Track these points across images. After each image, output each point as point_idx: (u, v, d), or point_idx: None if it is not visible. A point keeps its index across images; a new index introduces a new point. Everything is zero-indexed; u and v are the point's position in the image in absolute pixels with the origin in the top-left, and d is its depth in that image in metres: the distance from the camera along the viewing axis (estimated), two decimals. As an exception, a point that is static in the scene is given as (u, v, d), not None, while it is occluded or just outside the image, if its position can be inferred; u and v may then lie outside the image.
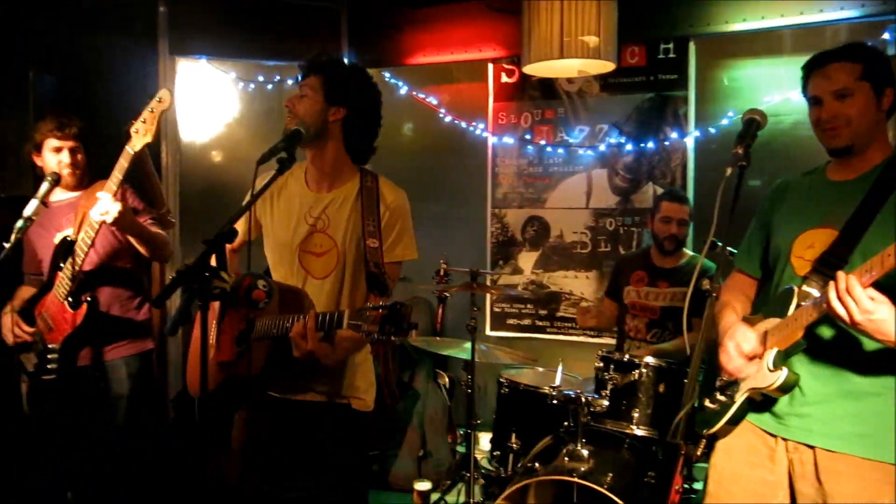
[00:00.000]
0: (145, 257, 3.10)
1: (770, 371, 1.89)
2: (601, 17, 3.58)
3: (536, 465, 3.11)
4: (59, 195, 3.11)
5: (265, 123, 4.93)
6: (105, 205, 2.71)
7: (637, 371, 3.07)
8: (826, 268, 1.90)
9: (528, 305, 4.64)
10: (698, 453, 2.05)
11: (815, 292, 1.89)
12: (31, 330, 2.99)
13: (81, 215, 2.96)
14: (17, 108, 3.78)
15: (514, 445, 3.54)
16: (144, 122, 2.71)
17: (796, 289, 1.93)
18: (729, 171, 1.89)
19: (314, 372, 2.29)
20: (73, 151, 3.04)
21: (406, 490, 4.29)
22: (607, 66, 3.72)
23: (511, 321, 4.68)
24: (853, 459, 1.86)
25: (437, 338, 4.37)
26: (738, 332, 2.03)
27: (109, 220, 2.71)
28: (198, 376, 2.08)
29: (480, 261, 4.72)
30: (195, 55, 4.69)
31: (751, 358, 1.96)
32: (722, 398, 2.02)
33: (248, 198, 2.41)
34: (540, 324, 4.61)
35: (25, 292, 3.17)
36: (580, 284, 4.49)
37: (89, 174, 3.11)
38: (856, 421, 1.88)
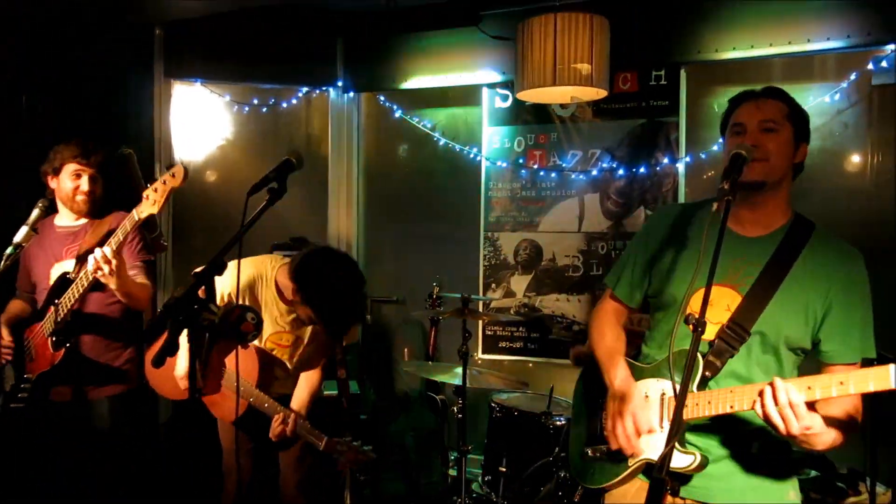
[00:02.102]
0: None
1: (680, 451, 1.89)
2: (594, 45, 3.63)
3: (527, 489, 3.12)
4: (65, 221, 3.13)
5: (259, 146, 4.96)
6: (101, 262, 2.70)
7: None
8: (730, 338, 1.90)
9: (520, 328, 4.65)
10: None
11: (719, 362, 1.90)
12: (11, 347, 3.01)
13: (82, 251, 2.98)
14: (10, 131, 3.80)
15: (505, 470, 3.55)
16: (156, 191, 2.64)
17: (701, 360, 1.89)
18: (715, 206, 1.85)
19: None
20: (92, 179, 3.05)
21: (397, 513, 4.30)
22: (600, 93, 3.76)
23: (503, 344, 4.69)
24: None
25: (429, 362, 4.38)
26: (635, 399, 2.00)
27: (101, 276, 2.72)
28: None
29: (473, 283, 4.74)
30: (191, 78, 4.73)
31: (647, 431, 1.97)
32: (606, 455, 2.05)
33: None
34: (532, 347, 4.62)
35: (15, 306, 3.18)
36: (572, 308, 4.51)
37: (100, 204, 3.12)
38: (751, 474, 1.95)
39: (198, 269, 2.10)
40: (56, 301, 2.92)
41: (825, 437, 1.76)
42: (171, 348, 1.93)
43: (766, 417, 1.69)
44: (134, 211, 2.69)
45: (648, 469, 2.03)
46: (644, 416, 1.98)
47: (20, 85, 3.87)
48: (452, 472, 4.57)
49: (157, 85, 4.60)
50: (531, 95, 3.85)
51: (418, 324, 4.95)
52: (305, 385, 2.99)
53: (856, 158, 4.04)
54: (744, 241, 2.00)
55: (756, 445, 1.96)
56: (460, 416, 3.62)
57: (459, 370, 3.64)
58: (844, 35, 3.88)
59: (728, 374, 1.93)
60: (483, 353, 4.74)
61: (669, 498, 1.98)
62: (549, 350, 4.57)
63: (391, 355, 5.04)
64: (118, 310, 3.07)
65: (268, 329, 2.82)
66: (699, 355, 1.88)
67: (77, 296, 2.86)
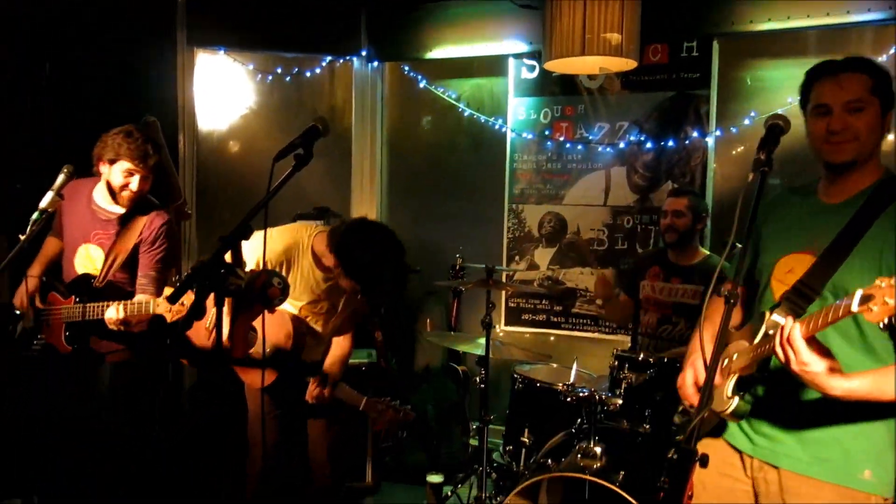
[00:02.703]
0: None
1: (727, 397, 1.89)
2: (624, 15, 3.55)
3: (549, 461, 3.11)
4: (103, 202, 3.11)
5: (283, 115, 4.94)
6: (115, 321, 2.81)
7: (652, 370, 3.06)
8: (797, 297, 1.86)
9: (543, 301, 4.63)
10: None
11: (782, 320, 1.82)
12: (41, 306, 3.06)
13: (110, 249, 3.03)
14: (35, 99, 3.80)
15: (527, 441, 3.54)
16: (169, 311, 2.73)
17: (767, 315, 1.88)
18: (751, 176, 1.83)
19: None
20: (143, 179, 3.03)
21: (418, 482, 4.31)
22: (629, 64, 3.69)
23: (525, 316, 4.67)
24: (817, 483, 1.87)
25: (452, 332, 4.38)
26: (699, 359, 2.03)
27: (113, 328, 2.82)
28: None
29: (496, 256, 4.72)
30: (213, 46, 4.70)
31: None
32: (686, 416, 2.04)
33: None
34: (555, 320, 4.60)
35: (52, 245, 3.22)
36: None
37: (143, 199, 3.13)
38: (821, 445, 1.88)
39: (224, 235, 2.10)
40: (76, 298, 2.99)
41: (836, 382, 1.68)
42: (199, 311, 1.94)
43: (775, 354, 1.71)
44: (152, 300, 2.78)
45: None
46: (701, 366, 1.97)
47: (44, 52, 3.86)
48: (473, 442, 4.59)
49: (179, 53, 4.56)
50: (559, 66, 3.78)
51: (440, 296, 4.94)
52: (338, 350, 3.01)
53: (890, 137, 3.95)
54: (827, 208, 1.96)
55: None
56: (482, 386, 3.62)
57: (482, 341, 3.63)
58: (886, 7, 3.77)
59: None
60: (506, 324, 4.73)
61: (741, 456, 2.01)
62: (572, 323, 4.55)
63: (413, 326, 5.04)
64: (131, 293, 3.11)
65: (304, 297, 2.82)
66: (765, 313, 1.85)
67: (93, 318, 2.92)
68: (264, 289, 2.02)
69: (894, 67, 3.95)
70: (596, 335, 4.55)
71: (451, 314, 4.77)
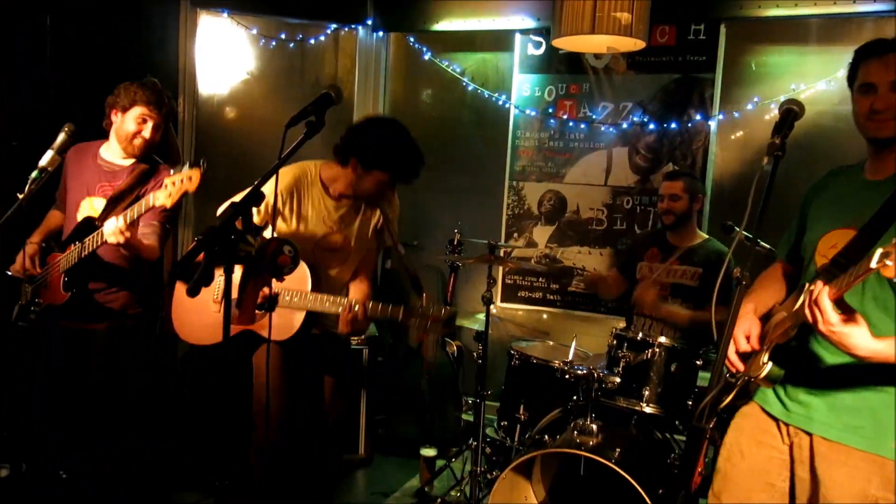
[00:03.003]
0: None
1: (762, 363, 1.92)
2: (636, -6, 3.53)
3: (545, 437, 3.14)
4: (110, 156, 3.08)
5: (284, 82, 4.89)
6: (116, 232, 2.72)
7: (650, 350, 3.10)
8: (834, 268, 1.87)
9: (540, 279, 4.65)
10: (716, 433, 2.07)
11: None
12: (38, 271, 3.02)
13: (115, 193, 2.99)
14: (35, 56, 3.74)
15: (522, 416, 3.58)
16: (174, 184, 2.65)
17: (807, 286, 1.90)
18: (766, 160, 1.87)
19: None
20: (156, 127, 3.01)
21: (411, 455, 4.34)
22: (638, 45, 3.67)
23: (522, 293, 4.69)
24: (848, 450, 1.90)
25: (449, 307, 4.38)
26: (741, 325, 2.07)
27: (114, 241, 2.74)
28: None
29: (495, 232, 4.73)
30: (217, 8, 4.62)
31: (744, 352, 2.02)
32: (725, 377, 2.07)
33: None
34: (550, 297, 4.63)
35: (54, 218, 3.18)
36: (594, 260, 4.50)
37: (152, 150, 3.10)
38: (853, 413, 1.91)
39: (235, 199, 2.09)
40: (77, 242, 2.93)
41: (863, 342, 1.71)
42: (207, 278, 1.92)
43: (804, 316, 1.75)
44: (151, 195, 2.71)
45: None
46: (742, 337, 2.02)
47: (45, 5, 3.78)
48: (466, 417, 4.63)
49: (182, 13, 4.50)
50: (567, 43, 3.76)
51: (436, 270, 4.95)
52: (358, 289, 2.99)
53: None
54: (871, 184, 2.00)
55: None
56: (480, 362, 3.64)
57: (480, 316, 3.66)
58: (891, -2, 3.79)
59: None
60: (502, 301, 4.75)
61: (775, 422, 2.05)
62: (568, 302, 4.58)
63: (408, 300, 5.04)
64: (128, 259, 3.05)
65: (317, 229, 2.79)
66: (806, 285, 1.87)
67: (90, 249, 2.87)
68: (275, 256, 2.01)
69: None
70: (590, 314, 4.58)
71: (447, 289, 4.77)
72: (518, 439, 3.59)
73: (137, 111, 2.97)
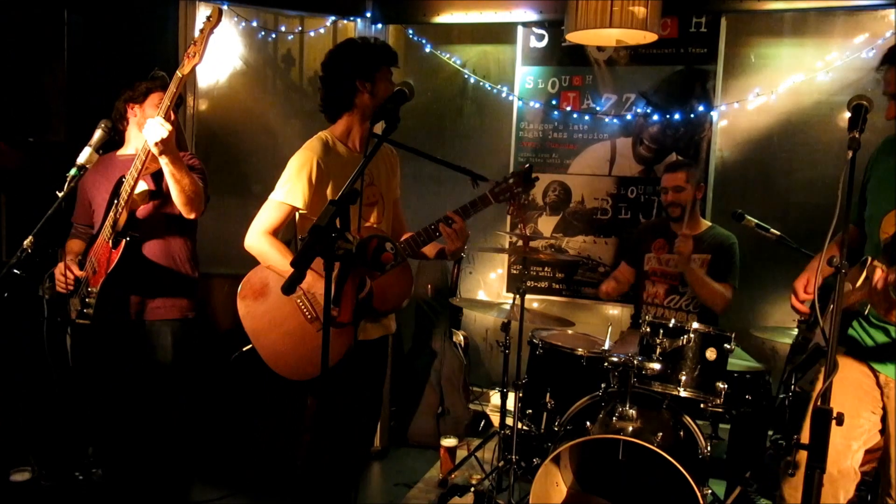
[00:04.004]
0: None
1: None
2: (650, -11, 3.62)
3: (584, 424, 3.22)
4: (130, 150, 3.02)
5: (284, 74, 4.84)
6: (156, 127, 2.64)
7: (685, 336, 3.20)
8: (893, 250, 2.07)
9: (546, 268, 4.73)
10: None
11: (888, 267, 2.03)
12: (80, 273, 2.92)
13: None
14: (52, 49, 3.62)
15: (549, 404, 3.65)
16: (195, 43, 2.62)
17: (868, 261, 2.06)
18: (850, 154, 1.97)
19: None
20: (175, 110, 2.94)
21: (424, 446, 4.38)
22: (649, 37, 3.76)
23: (529, 283, 4.76)
24: None
25: (455, 298, 4.42)
26: (801, 276, 2.46)
27: (159, 137, 2.65)
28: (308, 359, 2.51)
29: (499, 223, 4.78)
30: (216, 0, 4.54)
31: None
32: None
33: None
34: (556, 287, 4.71)
35: (75, 245, 3.08)
36: (598, 249, 4.61)
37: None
38: None
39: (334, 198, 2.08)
40: (115, 202, 2.84)
41: None
42: (301, 277, 1.93)
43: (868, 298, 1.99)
44: (177, 70, 2.67)
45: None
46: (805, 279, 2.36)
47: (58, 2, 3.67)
48: (475, 408, 4.70)
49: (181, 5, 4.41)
50: (580, 37, 3.83)
51: (438, 262, 4.97)
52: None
53: (885, 116, 4.18)
54: None
55: None
56: (507, 352, 3.70)
57: (505, 307, 3.72)
58: (888, -9, 3.97)
59: None
60: (507, 291, 4.81)
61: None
62: (573, 290, 4.67)
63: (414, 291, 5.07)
64: (178, 214, 2.99)
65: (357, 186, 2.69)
66: (868, 259, 2.04)
67: (133, 181, 2.77)
68: (378, 253, 2.02)
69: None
70: (596, 302, 4.69)
71: (451, 278, 4.82)
72: (545, 427, 3.66)
73: (156, 98, 2.95)
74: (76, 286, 2.93)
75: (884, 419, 2.36)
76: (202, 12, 4.51)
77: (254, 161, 4.73)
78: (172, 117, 2.74)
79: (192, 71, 2.70)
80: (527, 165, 2.69)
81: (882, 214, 2.20)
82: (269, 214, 2.60)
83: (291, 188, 2.58)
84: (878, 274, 1.94)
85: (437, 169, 4.83)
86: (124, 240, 2.83)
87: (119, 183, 2.86)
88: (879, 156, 2.35)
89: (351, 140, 2.74)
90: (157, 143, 2.66)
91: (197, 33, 2.65)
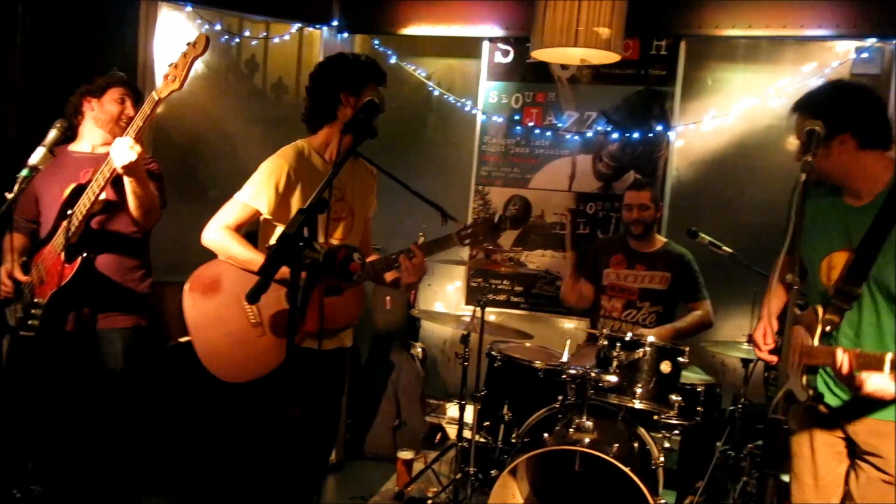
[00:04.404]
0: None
1: (802, 388, 2.19)
2: (614, 11, 3.71)
3: (542, 435, 3.25)
4: (84, 147, 2.96)
5: (247, 79, 4.81)
6: (125, 150, 2.59)
7: (641, 350, 3.27)
8: (841, 299, 2.18)
9: (505, 281, 4.77)
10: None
11: (836, 318, 2.18)
12: (24, 278, 2.82)
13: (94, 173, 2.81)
14: (5, 43, 3.54)
15: (507, 416, 3.68)
16: (176, 66, 2.58)
17: (820, 314, 2.19)
18: (803, 177, 2.03)
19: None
20: (135, 105, 2.92)
21: (381, 459, 4.37)
22: (611, 58, 3.85)
23: (488, 296, 4.78)
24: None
25: (413, 310, 4.43)
26: (758, 327, 2.40)
27: (127, 160, 2.59)
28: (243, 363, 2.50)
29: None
30: (179, 1, 4.49)
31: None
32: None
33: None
34: (514, 300, 4.76)
35: (18, 242, 2.94)
36: (557, 264, 4.67)
37: None
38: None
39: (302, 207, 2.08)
40: (69, 212, 2.74)
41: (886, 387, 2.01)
42: (268, 285, 1.92)
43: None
44: (153, 92, 2.60)
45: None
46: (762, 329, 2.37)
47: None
48: (431, 420, 4.71)
49: (142, 5, 4.34)
50: (545, 55, 3.90)
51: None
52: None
53: (833, 142, 4.34)
54: (855, 209, 2.24)
55: None
56: (466, 363, 3.72)
57: (464, 317, 3.75)
58: (834, 25, 4.15)
59: (847, 327, 2.20)
60: (466, 303, 4.84)
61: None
62: (531, 304, 4.73)
63: (371, 304, 5.06)
64: (131, 224, 2.91)
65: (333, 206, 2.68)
66: (818, 311, 2.15)
67: (93, 197, 2.70)
68: (346, 263, 2.02)
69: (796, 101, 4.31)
70: (552, 316, 4.75)
71: (411, 294, 4.83)
72: (502, 439, 3.69)
73: (115, 92, 2.91)
74: (18, 292, 2.83)
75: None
76: (164, 13, 4.45)
77: (211, 167, 4.68)
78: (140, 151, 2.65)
79: (170, 95, 2.62)
80: (497, 217, 2.72)
81: (819, 259, 2.28)
82: (231, 212, 2.59)
83: (258, 192, 2.57)
84: (840, 358, 2.01)
85: (416, 179, 4.84)
86: (80, 257, 2.76)
87: (76, 191, 2.78)
88: (808, 205, 2.42)
89: (329, 152, 2.73)
90: (124, 166, 2.62)
91: (179, 58, 2.57)
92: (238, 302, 2.57)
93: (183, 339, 2.70)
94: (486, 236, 2.71)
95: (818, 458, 2.36)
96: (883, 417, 2.19)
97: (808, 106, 2.25)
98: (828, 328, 2.15)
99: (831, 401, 2.28)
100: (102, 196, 2.78)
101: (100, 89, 2.91)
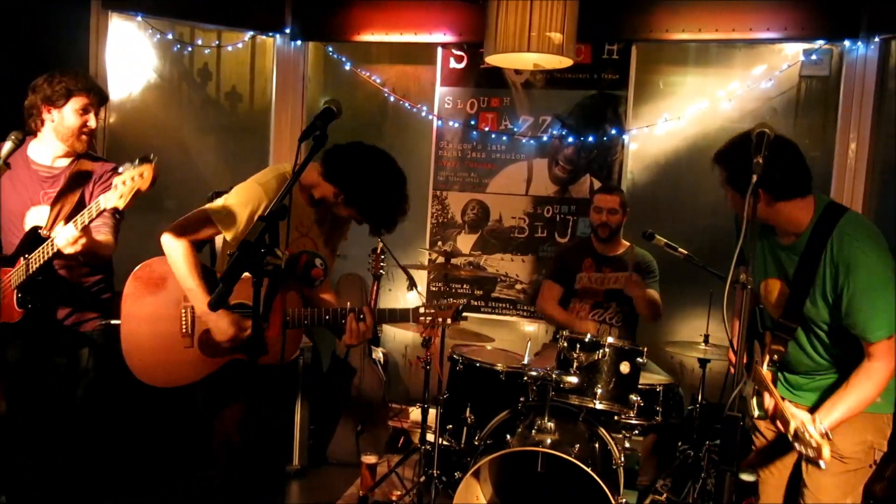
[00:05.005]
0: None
1: (752, 408, 2.38)
2: (566, 16, 3.76)
3: (505, 437, 3.28)
4: (43, 159, 2.89)
5: (200, 88, 4.76)
6: (69, 240, 2.58)
7: (600, 351, 3.31)
8: (783, 331, 2.33)
9: (465, 285, 4.80)
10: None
11: (781, 349, 2.34)
12: None
13: (58, 203, 2.82)
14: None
15: (469, 419, 3.70)
16: (124, 184, 2.48)
17: (767, 343, 2.36)
18: (755, 178, 2.09)
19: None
20: (97, 117, 2.87)
21: (344, 464, 4.35)
22: (564, 62, 3.90)
23: (448, 300, 4.80)
24: None
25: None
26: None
27: (71, 251, 2.60)
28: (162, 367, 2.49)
29: (419, 241, 4.83)
30: (130, 11, 4.44)
31: None
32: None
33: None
34: (475, 304, 4.79)
35: None
36: (516, 267, 4.71)
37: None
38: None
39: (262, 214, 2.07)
40: (27, 256, 2.74)
41: (825, 422, 2.12)
42: (229, 292, 1.92)
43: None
44: (102, 198, 2.54)
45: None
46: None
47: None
48: (393, 424, 4.70)
49: (93, 15, 4.28)
50: (499, 60, 3.94)
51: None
52: (332, 300, 2.80)
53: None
54: (783, 247, 2.35)
55: None
56: (427, 367, 3.72)
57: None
58: (782, 27, 4.25)
59: (792, 355, 2.34)
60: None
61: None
62: (492, 307, 4.76)
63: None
64: (85, 272, 2.92)
65: (292, 233, 2.58)
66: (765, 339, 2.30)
67: (43, 261, 2.70)
68: (308, 269, 2.02)
69: (786, 81, 4.42)
70: (512, 319, 4.79)
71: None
72: (465, 442, 3.70)
73: (78, 102, 2.80)
74: None
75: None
76: (115, 22, 4.41)
77: (166, 176, 4.58)
78: (86, 241, 2.63)
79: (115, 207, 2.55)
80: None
81: (758, 281, 2.41)
82: (197, 225, 2.54)
83: (228, 216, 2.51)
84: (769, 403, 2.22)
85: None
86: (28, 307, 2.76)
87: (34, 236, 2.76)
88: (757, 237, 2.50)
89: (316, 194, 2.63)
90: (67, 253, 2.62)
91: (127, 181, 2.47)
92: (177, 306, 2.56)
93: (114, 321, 2.67)
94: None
95: (774, 446, 2.47)
96: None
97: (722, 157, 2.38)
98: (775, 357, 2.32)
99: (784, 394, 2.40)
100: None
101: (62, 98, 2.78)
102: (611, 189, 4.09)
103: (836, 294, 2.19)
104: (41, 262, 2.71)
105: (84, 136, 2.85)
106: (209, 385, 2.65)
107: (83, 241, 2.59)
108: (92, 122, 2.85)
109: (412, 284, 2.80)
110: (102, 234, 2.83)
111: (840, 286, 2.18)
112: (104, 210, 2.56)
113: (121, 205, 2.50)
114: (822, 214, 2.27)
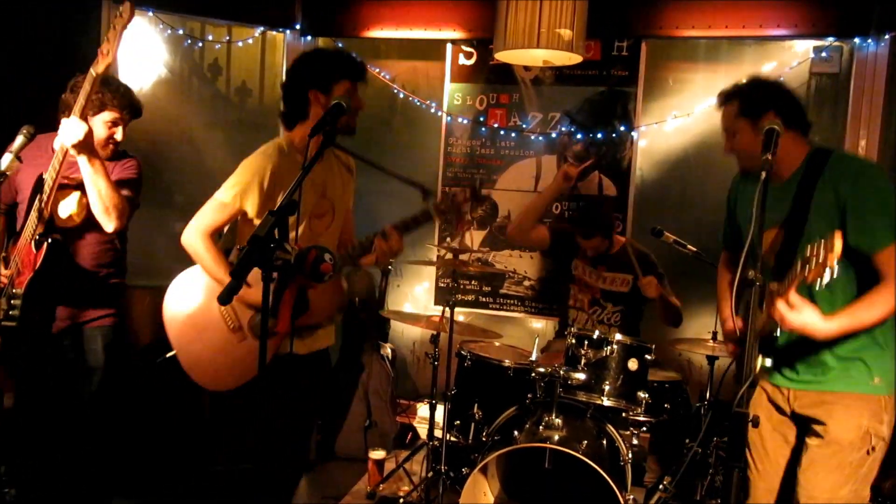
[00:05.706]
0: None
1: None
2: (576, 12, 3.76)
3: (513, 433, 3.29)
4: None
5: (210, 83, 4.78)
6: (71, 128, 2.60)
7: (609, 347, 3.32)
8: (783, 269, 2.27)
9: (473, 282, 4.80)
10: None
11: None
12: (5, 272, 2.83)
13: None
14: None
15: (477, 416, 3.71)
16: (108, 40, 2.57)
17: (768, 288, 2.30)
18: (763, 175, 2.11)
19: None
20: (125, 129, 2.94)
21: (352, 459, 4.37)
22: (574, 59, 3.91)
23: (456, 296, 4.80)
24: (842, 394, 2.31)
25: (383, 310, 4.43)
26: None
27: (76, 139, 2.61)
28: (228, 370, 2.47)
29: (427, 236, 4.84)
30: (141, 6, 4.45)
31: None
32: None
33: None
34: (483, 300, 4.79)
35: None
36: (524, 264, 4.71)
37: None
38: (841, 367, 2.32)
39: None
40: (35, 201, 2.77)
41: (822, 326, 2.12)
42: (239, 286, 1.93)
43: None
44: (91, 68, 2.60)
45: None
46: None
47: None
48: (401, 420, 4.71)
49: (104, 11, 4.30)
50: (508, 56, 3.94)
51: (367, 273, 4.98)
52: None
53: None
54: (775, 188, 2.35)
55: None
56: (436, 363, 3.74)
57: (433, 318, 3.77)
58: (792, 24, 4.23)
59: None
60: (435, 304, 4.86)
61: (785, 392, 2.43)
62: (500, 304, 4.76)
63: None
64: (97, 261, 2.98)
65: (309, 197, 2.63)
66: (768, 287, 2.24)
67: (53, 182, 2.71)
68: (317, 263, 2.03)
69: (796, 78, 4.39)
70: (520, 315, 4.79)
71: (379, 291, 4.84)
72: (473, 438, 3.71)
73: (109, 115, 2.88)
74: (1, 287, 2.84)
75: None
76: (126, 17, 4.41)
77: (176, 172, 4.65)
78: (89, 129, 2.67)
79: (107, 69, 2.64)
80: (478, 182, 2.73)
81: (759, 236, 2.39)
82: (212, 215, 2.54)
83: (242, 192, 2.51)
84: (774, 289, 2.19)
85: (382, 181, 4.86)
86: (46, 242, 2.76)
87: (41, 180, 2.78)
88: (739, 185, 2.61)
89: (310, 150, 2.60)
90: (73, 145, 2.62)
91: (109, 33, 2.60)
92: (214, 309, 2.56)
93: (169, 354, 2.70)
94: (466, 205, 2.71)
95: (767, 444, 2.47)
96: (825, 389, 2.31)
97: (733, 92, 2.49)
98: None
99: (779, 381, 2.42)
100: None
101: (94, 107, 2.83)
102: (590, 235, 3.98)
103: (840, 209, 2.22)
104: (52, 180, 2.71)
105: (110, 146, 2.92)
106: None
107: (86, 128, 2.61)
108: (119, 136, 2.91)
109: (425, 193, 2.78)
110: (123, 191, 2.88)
111: (843, 198, 2.22)
112: (95, 77, 2.62)
113: (110, 59, 2.60)
114: (813, 152, 2.37)
